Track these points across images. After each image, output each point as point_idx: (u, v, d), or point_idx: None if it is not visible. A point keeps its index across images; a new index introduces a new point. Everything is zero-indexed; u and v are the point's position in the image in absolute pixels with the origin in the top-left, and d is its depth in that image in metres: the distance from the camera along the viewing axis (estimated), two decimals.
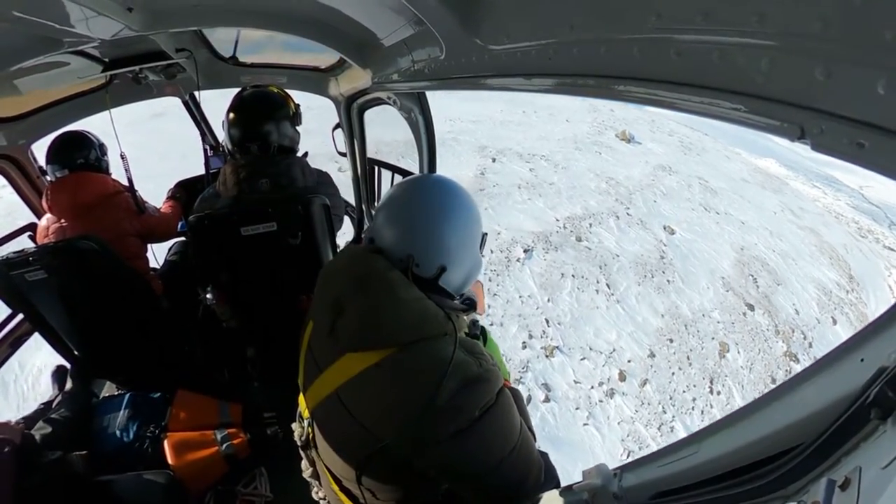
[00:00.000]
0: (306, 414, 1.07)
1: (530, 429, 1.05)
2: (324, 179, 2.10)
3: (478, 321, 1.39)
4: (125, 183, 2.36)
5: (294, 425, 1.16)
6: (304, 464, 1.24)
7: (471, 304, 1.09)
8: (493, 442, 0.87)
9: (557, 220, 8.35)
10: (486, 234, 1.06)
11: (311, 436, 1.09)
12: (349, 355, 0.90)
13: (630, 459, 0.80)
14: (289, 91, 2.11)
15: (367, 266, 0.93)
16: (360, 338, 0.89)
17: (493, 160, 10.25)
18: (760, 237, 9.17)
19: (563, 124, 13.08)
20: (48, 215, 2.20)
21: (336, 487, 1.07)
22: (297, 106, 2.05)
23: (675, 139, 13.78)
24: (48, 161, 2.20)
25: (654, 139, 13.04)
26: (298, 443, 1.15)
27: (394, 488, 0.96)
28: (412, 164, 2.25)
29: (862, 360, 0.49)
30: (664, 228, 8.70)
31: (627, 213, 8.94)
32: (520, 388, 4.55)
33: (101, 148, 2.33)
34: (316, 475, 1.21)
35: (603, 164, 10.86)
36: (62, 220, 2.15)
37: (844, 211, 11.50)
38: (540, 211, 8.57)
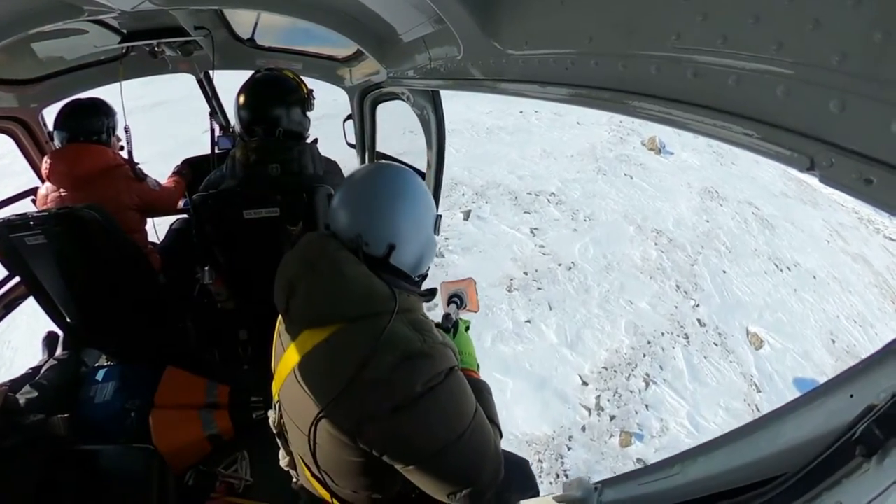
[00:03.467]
0: (277, 398, 1.09)
1: (493, 422, 1.04)
2: (332, 168, 2.09)
3: (451, 315, 1.39)
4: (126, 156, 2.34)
5: (270, 412, 1.17)
6: (282, 453, 1.24)
7: (429, 293, 1.10)
8: (438, 422, 0.87)
9: (587, 392, 4.07)
10: (441, 215, 1.09)
11: (282, 422, 1.10)
12: (305, 333, 0.94)
13: (612, 476, 0.80)
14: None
15: (317, 248, 0.96)
16: (310, 315, 0.94)
17: (467, 215, 6.15)
18: (839, 303, 6.19)
19: (573, 130, 9.87)
20: (47, 184, 2.19)
21: (309, 474, 1.08)
22: (311, 92, 2.04)
23: (702, 141, 11.41)
24: (56, 126, 2.19)
25: (683, 145, 10.57)
26: (273, 430, 1.16)
27: (349, 472, 0.96)
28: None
29: (851, 395, 0.49)
30: (748, 339, 4.98)
31: (697, 321, 5.06)
32: None
33: (112, 119, 2.30)
34: (293, 464, 1.22)
35: (639, 199, 7.45)
36: (61, 190, 2.14)
37: (846, 201, 11.19)
38: (553, 371, 4.19)
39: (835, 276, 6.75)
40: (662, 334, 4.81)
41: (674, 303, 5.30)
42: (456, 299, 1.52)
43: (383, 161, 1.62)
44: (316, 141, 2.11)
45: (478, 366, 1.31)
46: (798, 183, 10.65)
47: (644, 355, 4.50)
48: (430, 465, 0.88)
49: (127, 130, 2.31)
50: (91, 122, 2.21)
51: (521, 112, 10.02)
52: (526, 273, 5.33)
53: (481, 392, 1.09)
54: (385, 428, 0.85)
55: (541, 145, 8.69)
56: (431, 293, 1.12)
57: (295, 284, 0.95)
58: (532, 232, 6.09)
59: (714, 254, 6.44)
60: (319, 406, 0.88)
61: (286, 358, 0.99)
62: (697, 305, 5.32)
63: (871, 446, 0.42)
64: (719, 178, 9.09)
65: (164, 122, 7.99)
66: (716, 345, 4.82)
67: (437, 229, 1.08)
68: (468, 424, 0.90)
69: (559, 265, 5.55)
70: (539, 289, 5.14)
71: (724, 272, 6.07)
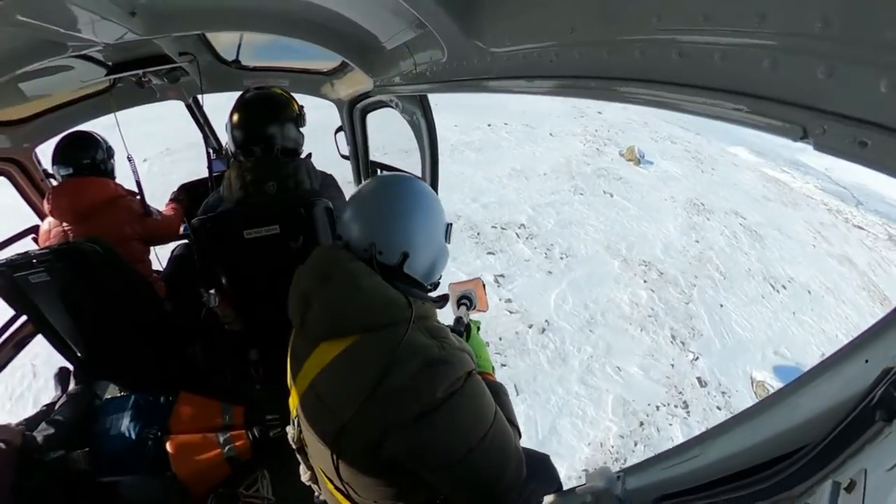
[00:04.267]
0: (295, 413, 1.09)
1: (513, 424, 1.04)
2: (328, 182, 2.09)
3: (463, 318, 1.39)
4: (132, 185, 2.36)
5: (288, 428, 1.17)
6: (303, 468, 1.24)
7: (441, 299, 1.12)
8: (461, 427, 0.87)
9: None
10: (451, 223, 1.09)
11: (302, 437, 1.10)
12: (322, 346, 0.94)
13: (634, 463, 0.80)
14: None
15: (330, 260, 0.97)
16: (327, 327, 0.94)
17: None
18: (836, 318, 5.80)
19: (546, 142, 9.02)
20: (50, 219, 2.20)
21: (332, 487, 1.07)
22: (301, 107, 2.05)
23: (679, 147, 10.95)
24: (54, 161, 2.20)
25: (662, 152, 10.02)
26: (293, 446, 1.16)
27: (373, 483, 0.96)
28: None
29: (866, 361, 0.48)
30: (753, 390, 4.56)
31: (698, 380, 4.45)
32: None
33: (108, 150, 2.33)
34: (314, 478, 1.21)
35: (622, 222, 6.74)
36: (64, 224, 2.16)
37: (814, 193, 10.94)
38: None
39: (827, 287, 6.52)
40: (657, 408, 4.05)
41: (670, 360, 4.56)
42: (465, 301, 1.51)
43: (392, 173, 1.62)
44: (310, 156, 2.11)
45: (493, 368, 1.31)
46: (776, 184, 10.59)
47: (636, 443, 3.74)
48: (455, 470, 0.88)
49: (130, 159, 2.33)
50: (89, 154, 2.22)
51: (489, 125, 9.22)
52: (488, 343, 3.81)
53: (498, 394, 1.09)
54: (409, 436, 0.85)
55: (510, 163, 7.85)
56: (444, 299, 1.13)
57: (310, 298, 0.96)
58: (497, 281, 5.14)
59: (709, 283, 5.76)
60: (342, 419, 0.88)
61: (304, 372, 0.99)
62: (696, 359, 4.66)
63: (891, 410, 0.42)
64: (702, 187, 8.73)
65: (159, 136, 7.68)
66: (719, 408, 4.21)
67: (448, 237, 1.09)
68: (489, 426, 0.90)
69: (530, 327, 4.59)
70: (504, 365, 4.17)
71: (722, 306, 5.51)
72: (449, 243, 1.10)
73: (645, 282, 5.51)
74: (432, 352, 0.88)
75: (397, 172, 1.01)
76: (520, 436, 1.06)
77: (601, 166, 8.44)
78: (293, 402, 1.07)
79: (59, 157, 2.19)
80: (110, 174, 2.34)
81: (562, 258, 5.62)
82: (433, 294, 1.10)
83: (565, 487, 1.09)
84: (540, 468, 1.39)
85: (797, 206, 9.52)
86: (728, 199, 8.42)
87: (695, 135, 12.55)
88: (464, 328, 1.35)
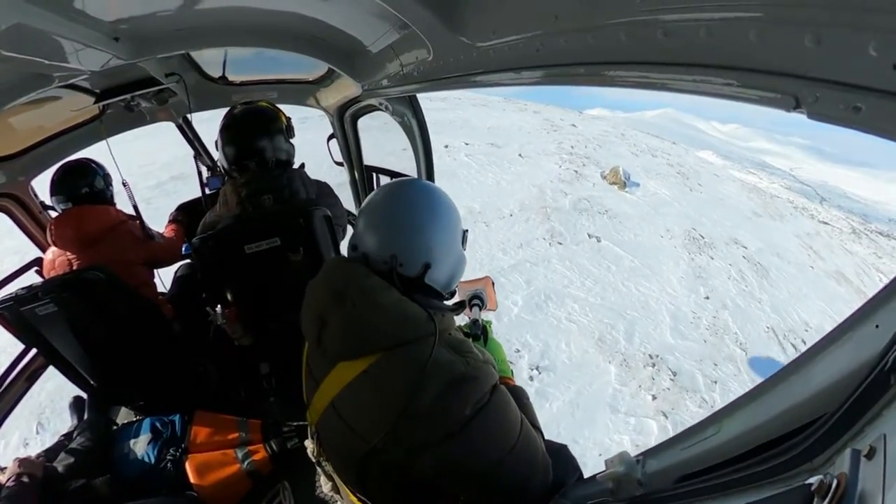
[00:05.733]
0: (313, 428, 1.08)
1: (536, 427, 1.03)
2: (324, 190, 2.10)
3: (479, 320, 1.38)
4: (130, 211, 2.37)
5: (307, 442, 1.17)
6: (323, 479, 1.24)
7: (459, 306, 1.08)
8: (490, 441, 0.86)
9: None
10: (467, 230, 1.07)
11: (321, 450, 1.10)
12: (341, 365, 0.91)
13: (652, 445, 0.80)
14: (280, 105, 2.12)
15: (344, 276, 0.93)
16: (345, 347, 0.91)
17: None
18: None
19: (515, 165, 7.49)
20: (53, 249, 2.21)
21: (355, 499, 1.07)
22: (289, 119, 2.06)
23: (661, 161, 9.77)
24: (52, 192, 2.21)
25: (646, 169, 8.70)
26: (312, 458, 1.16)
27: (400, 499, 0.95)
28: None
29: (877, 326, 0.48)
30: None
31: None
32: None
33: (106, 177, 2.33)
34: (336, 489, 1.21)
35: (616, 285, 5.21)
36: (67, 254, 2.17)
37: (780, 192, 10.95)
38: None
39: (835, 320, 5.34)
40: None
41: None
42: (477, 301, 1.49)
43: (403, 178, 1.61)
44: (303, 165, 2.11)
45: (511, 371, 1.30)
46: (758, 194, 10.17)
47: None
48: (486, 483, 0.87)
49: (125, 184, 2.33)
50: (87, 182, 2.23)
51: (445, 147, 7.57)
52: None
53: (520, 398, 1.08)
54: (439, 455, 0.83)
55: (468, 200, 6.09)
56: (461, 306, 1.10)
57: (326, 317, 0.93)
58: None
59: (731, 371, 4.45)
60: (370, 442, 0.86)
61: (322, 391, 0.96)
62: None
63: None
64: (694, 209, 7.69)
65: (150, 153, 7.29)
66: None
67: (464, 244, 1.06)
68: (518, 436, 0.89)
69: None
70: None
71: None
72: (465, 250, 1.07)
73: (654, 398, 3.93)
74: (457, 368, 0.85)
75: (411, 178, 0.99)
76: (543, 438, 1.06)
77: (582, 196, 6.94)
78: (312, 417, 1.05)
79: (57, 187, 2.20)
80: (110, 200, 2.35)
81: (533, 374, 3.74)
82: (449, 302, 1.08)
83: (585, 475, 1.09)
84: (559, 458, 1.38)
85: (783, 218, 9.10)
86: (723, 223, 7.60)
87: (671, 144, 11.98)
88: (480, 331, 1.34)
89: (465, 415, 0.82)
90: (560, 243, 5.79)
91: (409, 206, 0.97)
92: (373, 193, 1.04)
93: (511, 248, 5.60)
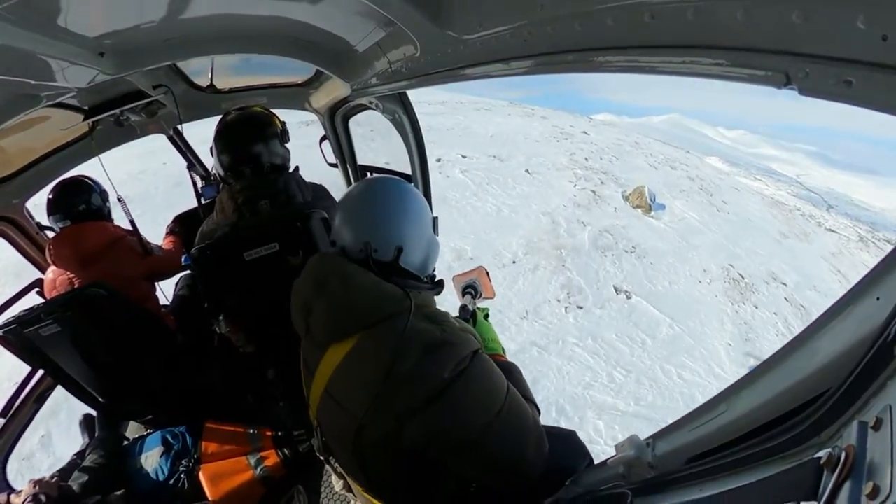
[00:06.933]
0: (316, 423, 1.11)
1: (529, 399, 1.06)
2: (320, 193, 2.09)
3: (467, 307, 1.40)
4: (127, 226, 2.37)
5: (313, 440, 1.18)
6: (334, 478, 1.25)
7: (438, 285, 1.12)
8: (474, 404, 0.89)
9: None
10: (437, 217, 1.13)
11: (325, 444, 1.11)
12: (329, 350, 0.97)
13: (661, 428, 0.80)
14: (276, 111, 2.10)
15: (324, 268, 1.01)
16: (330, 330, 0.97)
17: None
18: None
19: (521, 184, 6.01)
20: (53, 268, 2.21)
21: (366, 495, 1.08)
22: (284, 123, 2.05)
23: (681, 174, 8.75)
24: (50, 212, 2.20)
25: (668, 185, 7.46)
26: (321, 456, 1.17)
27: (400, 481, 0.97)
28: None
29: (878, 298, 0.48)
30: None
31: None
32: None
33: (102, 193, 2.33)
34: (348, 487, 1.22)
35: (657, 374, 3.90)
36: (68, 273, 2.16)
37: (787, 199, 10.61)
38: None
39: None
40: None
41: None
42: (470, 290, 1.52)
43: (374, 176, 1.65)
44: (297, 169, 2.10)
45: (503, 350, 1.32)
46: (779, 208, 9.55)
47: None
48: (475, 449, 0.89)
49: (121, 200, 2.33)
50: (83, 199, 2.23)
51: (437, 161, 5.94)
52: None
53: (511, 373, 1.10)
54: (424, 421, 0.87)
55: (461, 234, 4.56)
56: (440, 285, 1.14)
57: (310, 305, 0.99)
58: None
59: None
60: (357, 415, 0.90)
61: (317, 379, 1.01)
62: None
63: None
64: (726, 238, 6.55)
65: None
66: None
67: (436, 229, 1.12)
68: (503, 401, 0.92)
69: None
70: None
71: None
72: (437, 235, 1.13)
73: None
74: (433, 335, 0.90)
75: (382, 175, 1.01)
76: (539, 412, 1.07)
77: (604, 226, 5.48)
78: (312, 412, 1.09)
79: (53, 206, 2.19)
80: (107, 217, 2.35)
81: None
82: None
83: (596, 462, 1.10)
84: (568, 445, 1.39)
85: (808, 237, 8.36)
86: (756, 252, 6.57)
87: (685, 153, 11.15)
88: (469, 315, 1.36)
89: (444, 378, 0.86)
90: (579, 307, 4.15)
91: (378, 196, 1.05)
92: (345, 194, 1.11)
93: (512, 319, 3.84)
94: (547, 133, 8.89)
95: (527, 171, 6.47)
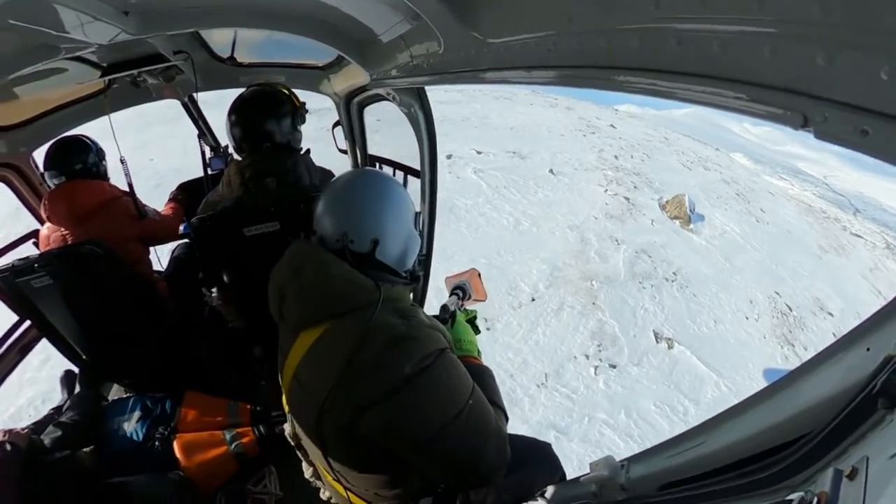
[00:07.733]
0: (288, 409, 1.11)
1: (497, 405, 1.06)
2: (327, 177, 2.09)
3: (448, 306, 1.39)
4: (125, 187, 2.36)
5: (286, 425, 1.18)
6: (304, 464, 1.25)
7: (413, 280, 1.13)
8: (433, 403, 0.89)
9: None
10: (419, 212, 1.13)
11: (297, 432, 1.12)
12: (301, 336, 0.98)
13: (637, 451, 0.80)
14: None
15: (301, 255, 1.02)
16: (302, 316, 0.98)
17: None
18: None
19: (544, 187, 5.40)
20: (48, 224, 2.20)
21: (331, 479, 1.09)
22: (303, 104, 2.04)
23: (716, 176, 8.02)
24: (45, 168, 2.20)
25: (703, 189, 6.90)
26: (292, 442, 1.17)
27: (361, 470, 0.98)
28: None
29: (868, 349, 0.48)
30: None
31: None
32: None
33: (99, 153, 2.32)
34: (317, 474, 1.22)
35: None
36: (62, 229, 2.15)
37: (813, 201, 10.15)
38: None
39: None
40: None
41: None
42: (458, 291, 1.51)
43: (361, 168, 1.66)
44: (308, 151, 2.10)
45: (479, 352, 1.31)
46: (814, 216, 8.88)
47: None
48: (431, 447, 0.89)
49: (123, 162, 2.32)
50: (81, 158, 2.21)
51: (448, 158, 5.24)
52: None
53: (481, 375, 1.10)
54: (382, 413, 0.87)
55: (470, 255, 3.96)
56: (415, 279, 1.15)
57: (284, 290, 1.00)
58: None
59: None
60: (318, 401, 0.90)
61: (288, 364, 1.02)
62: None
63: (893, 397, 0.42)
64: (769, 256, 5.85)
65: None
66: None
67: (417, 225, 1.12)
68: (465, 404, 0.91)
69: None
70: None
71: None
72: (418, 231, 1.13)
73: None
74: (398, 330, 0.90)
75: (369, 168, 1.02)
76: (507, 419, 1.08)
77: (640, 244, 4.73)
78: (285, 397, 1.09)
79: (50, 162, 2.18)
80: (103, 176, 2.33)
81: None
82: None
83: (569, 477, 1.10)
84: (541, 455, 1.39)
85: (845, 250, 7.74)
86: (799, 273, 5.83)
87: (715, 151, 10.50)
88: (448, 315, 1.35)
89: (405, 373, 0.86)
90: (612, 366, 3.36)
91: (358, 187, 1.06)
92: (329, 183, 1.11)
93: (526, 388, 3.02)
94: (572, 126, 7.91)
95: (551, 171, 5.63)
